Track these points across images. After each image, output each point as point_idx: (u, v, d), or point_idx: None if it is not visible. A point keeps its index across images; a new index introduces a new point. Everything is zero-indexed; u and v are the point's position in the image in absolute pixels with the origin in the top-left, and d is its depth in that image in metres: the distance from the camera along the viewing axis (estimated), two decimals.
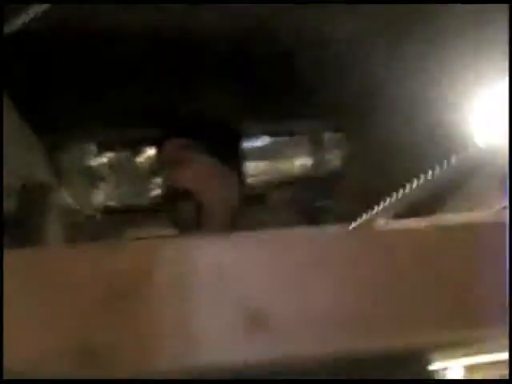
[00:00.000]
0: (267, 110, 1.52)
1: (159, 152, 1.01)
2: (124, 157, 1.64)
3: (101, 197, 1.72)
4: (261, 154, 1.75)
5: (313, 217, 1.70)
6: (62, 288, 0.37)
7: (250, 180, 1.84)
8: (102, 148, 1.63)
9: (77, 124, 1.50)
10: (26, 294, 0.37)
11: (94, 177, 1.65)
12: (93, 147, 1.61)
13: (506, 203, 0.39)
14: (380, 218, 0.40)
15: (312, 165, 1.80)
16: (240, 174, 1.08)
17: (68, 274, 0.37)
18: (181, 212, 0.99)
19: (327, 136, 1.74)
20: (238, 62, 1.33)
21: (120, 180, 1.69)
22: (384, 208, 0.40)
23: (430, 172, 0.38)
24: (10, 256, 0.37)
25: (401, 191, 0.39)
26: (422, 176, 0.38)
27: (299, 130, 1.73)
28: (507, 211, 0.39)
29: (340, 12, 1.09)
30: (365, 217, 0.41)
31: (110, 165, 1.65)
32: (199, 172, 1.01)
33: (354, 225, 0.40)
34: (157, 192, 1.72)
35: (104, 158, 1.63)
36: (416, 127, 1.31)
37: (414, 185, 0.39)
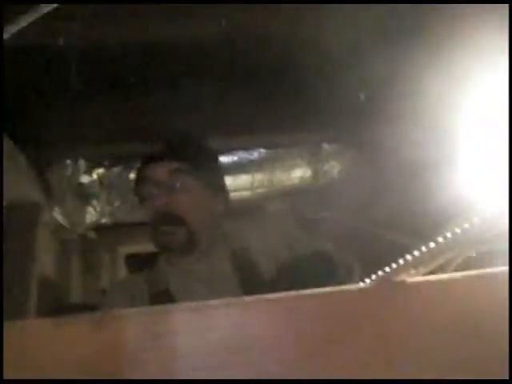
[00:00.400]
0: (264, 123, 1.47)
1: (149, 175, 0.96)
2: (115, 173, 1.58)
3: (93, 214, 1.66)
4: (257, 166, 1.71)
5: (311, 228, 1.65)
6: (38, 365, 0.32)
7: (245, 193, 1.80)
8: (93, 165, 1.57)
9: (65, 141, 1.45)
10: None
11: (85, 194, 1.59)
12: (82, 164, 1.56)
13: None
14: (405, 272, 0.36)
15: (310, 176, 1.75)
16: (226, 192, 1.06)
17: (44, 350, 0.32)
18: (170, 236, 0.96)
19: (325, 147, 1.70)
20: (235, 73, 1.29)
21: (112, 196, 1.63)
22: (406, 262, 0.35)
23: (454, 228, 0.34)
24: None
25: (423, 246, 0.35)
26: (448, 232, 0.34)
27: (297, 142, 1.69)
28: None
29: (341, 23, 1.05)
30: (387, 271, 0.36)
31: (101, 181, 1.59)
32: (189, 198, 0.98)
33: (377, 278, 0.36)
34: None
35: (95, 175, 1.58)
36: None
37: (440, 240, 0.34)
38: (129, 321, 0.32)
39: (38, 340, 0.33)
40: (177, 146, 1.05)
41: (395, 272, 0.36)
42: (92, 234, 1.81)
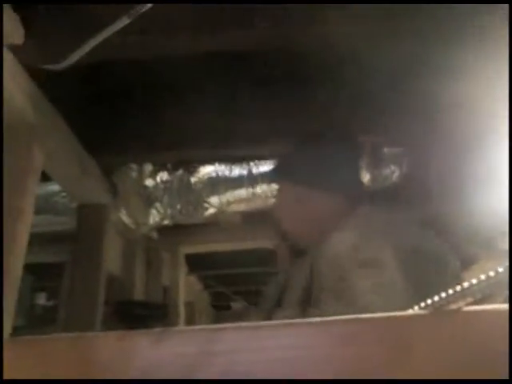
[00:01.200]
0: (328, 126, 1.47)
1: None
2: (177, 177, 1.64)
3: (155, 215, 1.74)
4: None
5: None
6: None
7: None
8: (157, 169, 1.64)
9: (132, 147, 1.52)
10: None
11: (149, 197, 1.67)
12: (147, 168, 1.63)
13: None
14: (461, 300, 0.36)
15: (369, 180, 1.73)
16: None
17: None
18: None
19: (386, 151, 1.67)
20: (295, 79, 1.31)
21: (173, 199, 1.69)
22: (462, 290, 0.35)
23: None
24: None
25: (476, 279, 0.34)
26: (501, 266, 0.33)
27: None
28: None
29: (401, 30, 1.03)
30: (439, 298, 0.36)
31: (164, 185, 1.66)
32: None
33: (430, 307, 0.36)
34: (211, 210, 1.72)
35: (158, 179, 1.65)
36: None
37: (491, 274, 0.34)
38: (185, 337, 0.35)
39: (103, 353, 0.37)
40: None
41: (451, 299, 0.37)
42: (154, 235, 1.90)
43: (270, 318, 0.91)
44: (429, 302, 0.39)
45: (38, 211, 1.91)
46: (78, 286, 1.50)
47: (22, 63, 1.09)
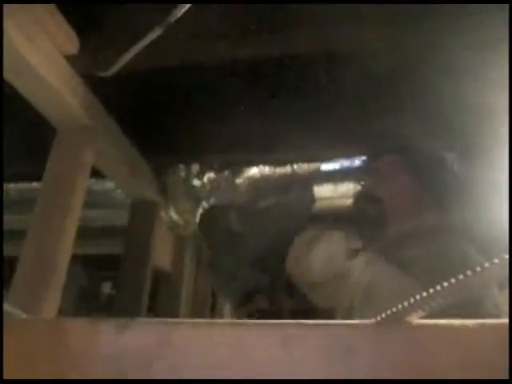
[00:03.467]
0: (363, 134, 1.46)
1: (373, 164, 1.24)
2: (223, 177, 1.70)
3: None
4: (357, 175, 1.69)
5: None
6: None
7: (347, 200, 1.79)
8: (204, 169, 1.71)
9: (181, 148, 1.59)
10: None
11: (196, 196, 1.74)
12: (195, 168, 1.70)
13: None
14: (411, 313, 0.36)
15: None
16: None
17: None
18: (368, 212, 1.14)
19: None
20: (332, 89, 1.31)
21: (220, 199, 1.75)
22: (414, 303, 0.35)
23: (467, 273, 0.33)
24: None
25: (432, 290, 0.34)
26: (459, 277, 0.33)
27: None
28: None
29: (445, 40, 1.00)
30: (393, 310, 0.36)
31: (211, 185, 1.72)
32: (397, 186, 1.15)
33: (381, 318, 0.36)
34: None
35: (205, 179, 1.71)
36: None
37: (446, 286, 0.34)
38: (146, 328, 0.38)
39: (74, 337, 0.41)
40: None
41: (404, 311, 0.37)
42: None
43: None
44: (388, 312, 0.40)
45: (98, 206, 2.05)
46: (126, 278, 1.60)
47: (76, 70, 1.19)
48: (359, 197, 1.25)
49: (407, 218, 1.12)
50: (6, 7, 0.90)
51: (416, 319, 0.37)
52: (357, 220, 1.21)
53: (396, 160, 1.21)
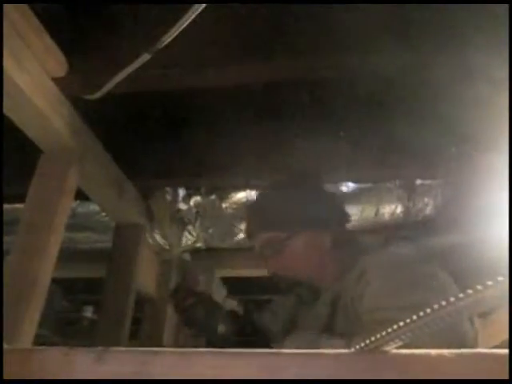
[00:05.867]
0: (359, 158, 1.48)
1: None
2: (210, 202, 1.69)
3: (188, 238, 1.79)
4: (349, 199, 1.70)
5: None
6: None
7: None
8: (190, 193, 1.70)
9: (167, 172, 1.60)
10: None
11: (182, 219, 1.73)
12: (181, 192, 1.69)
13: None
14: (389, 343, 0.36)
15: (402, 212, 1.70)
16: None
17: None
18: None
19: (419, 183, 1.64)
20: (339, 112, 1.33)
21: (206, 223, 1.74)
22: (391, 333, 0.35)
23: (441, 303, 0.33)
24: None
25: (409, 320, 0.35)
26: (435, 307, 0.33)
27: (390, 177, 1.65)
28: None
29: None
30: (372, 340, 0.36)
31: (197, 209, 1.71)
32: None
33: (360, 347, 0.36)
34: (241, 236, 1.75)
35: (191, 202, 1.71)
36: None
37: (421, 315, 0.34)
38: (124, 357, 0.38)
39: (50, 366, 0.40)
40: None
41: (381, 341, 0.37)
42: (187, 257, 1.95)
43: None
44: (367, 342, 0.40)
45: (82, 228, 2.03)
46: (108, 301, 1.57)
47: (63, 92, 1.19)
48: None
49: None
50: None
51: (393, 349, 0.37)
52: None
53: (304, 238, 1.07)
